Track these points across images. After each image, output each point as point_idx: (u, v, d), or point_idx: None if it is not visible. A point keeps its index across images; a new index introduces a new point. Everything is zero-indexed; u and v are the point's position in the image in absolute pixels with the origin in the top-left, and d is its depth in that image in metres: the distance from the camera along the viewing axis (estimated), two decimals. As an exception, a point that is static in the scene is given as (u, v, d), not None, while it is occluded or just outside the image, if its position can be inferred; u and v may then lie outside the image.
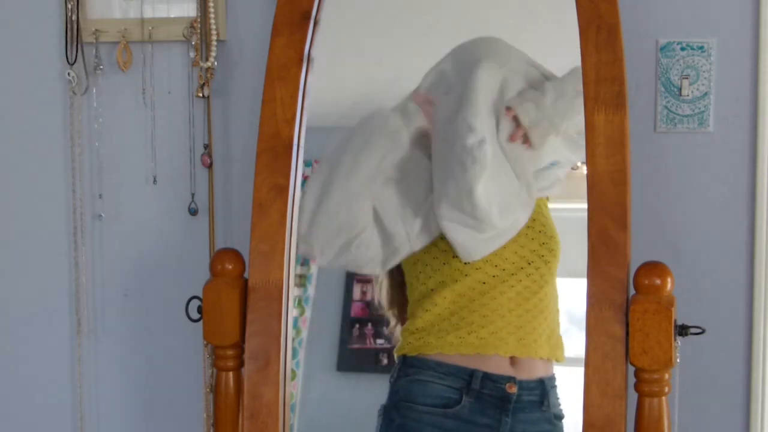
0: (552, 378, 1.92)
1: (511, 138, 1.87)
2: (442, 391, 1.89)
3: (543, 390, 1.90)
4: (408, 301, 1.96)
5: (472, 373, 1.88)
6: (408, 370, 1.92)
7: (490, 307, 1.88)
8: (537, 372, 1.90)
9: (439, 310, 1.90)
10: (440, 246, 1.90)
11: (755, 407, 1.95)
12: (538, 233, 1.90)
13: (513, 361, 1.89)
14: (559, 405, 1.93)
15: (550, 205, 1.97)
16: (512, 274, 1.89)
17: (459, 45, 1.94)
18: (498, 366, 1.88)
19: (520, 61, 1.91)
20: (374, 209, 1.90)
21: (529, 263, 1.89)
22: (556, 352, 1.92)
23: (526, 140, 1.88)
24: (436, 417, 1.89)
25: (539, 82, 1.90)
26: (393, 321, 2.00)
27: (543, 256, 1.90)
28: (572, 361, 1.88)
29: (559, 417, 1.93)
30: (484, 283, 1.89)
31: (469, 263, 1.88)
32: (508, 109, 1.87)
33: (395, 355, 1.95)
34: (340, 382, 2.07)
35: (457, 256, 1.88)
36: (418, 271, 1.93)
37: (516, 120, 1.87)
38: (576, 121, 1.82)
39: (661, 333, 1.65)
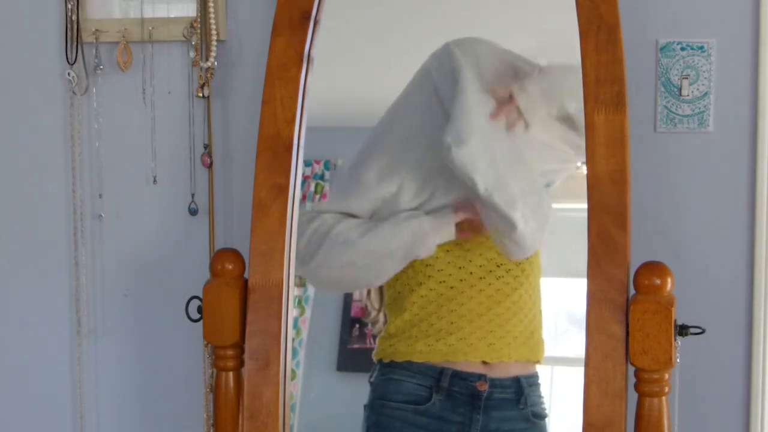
0: (531, 376, 1.92)
1: (510, 126, 1.86)
2: (412, 388, 1.90)
3: (519, 388, 1.90)
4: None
5: (441, 371, 1.89)
6: (383, 370, 1.94)
7: (458, 313, 1.89)
8: (512, 370, 1.90)
9: (409, 316, 1.91)
10: None
11: (755, 407, 1.95)
12: None
13: (484, 362, 1.89)
14: (542, 404, 1.93)
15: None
16: (481, 278, 1.89)
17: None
18: (468, 365, 1.89)
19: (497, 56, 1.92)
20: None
21: (498, 266, 1.89)
22: (536, 354, 1.92)
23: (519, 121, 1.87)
24: (407, 413, 1.90)
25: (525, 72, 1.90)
26: (374, 312, 2.00)
27: None
28: (572, 361, 1.88)
29: (540, 416, 1.93)
30: (452, 287, 1.89)
31: (430, 265, 1.88)
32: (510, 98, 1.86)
33: (374, 359, 1.96)
34: (340, 382, 2.07)
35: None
36: None
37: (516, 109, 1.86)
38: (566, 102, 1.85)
39: (661, 333, 1.65)
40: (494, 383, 1.88)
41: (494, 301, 1.88)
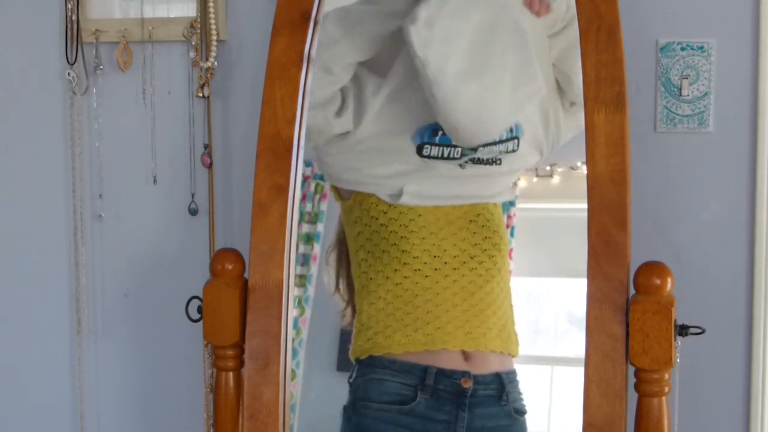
0: (510, 373, 1.92)
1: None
2: (397, 388, 1.89)
3: (500, 384, 1.90)
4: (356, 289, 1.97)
5: (425, 370, 1.88)
6: (364, 370, 1.93)
7: (434, 302, 1.89)
8: (492, 366, 1.90)
9: (383, 305, 1.90)
10: (382, 233, 1.91)
11: (755, 407, 1.96)
12: (481, 227, 1.91)
13: (465, 355, 1.89)
14: (521, 400, 1.93)
15: (551, 205, 1.97)
16: (455, 269, 1.89)
17: None
18: (450, 361, 1.88)
19: None
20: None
21: (472, 257, 1.90)
22: (509, 347, 1.92)
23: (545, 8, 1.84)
24: (391, 414, 1.89)
25: None
26: (343, 304, 2.01)
27: (486, 250, 1.90)
28: (572, 361, 1.89)
29: (521, 412, 1.93)
30: (426, 276, 1.89)
31: (406, 251, 1.89)
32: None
33: (351, 358, 1.96)
34: (340, 382, 2.07)
35: (396, 244, 1.89)
36: (360, 258, 1.94)
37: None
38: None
39: (661, 333, 1.65)
40: (477, 380, 1.88)
41: (468, 291, 1.89)
